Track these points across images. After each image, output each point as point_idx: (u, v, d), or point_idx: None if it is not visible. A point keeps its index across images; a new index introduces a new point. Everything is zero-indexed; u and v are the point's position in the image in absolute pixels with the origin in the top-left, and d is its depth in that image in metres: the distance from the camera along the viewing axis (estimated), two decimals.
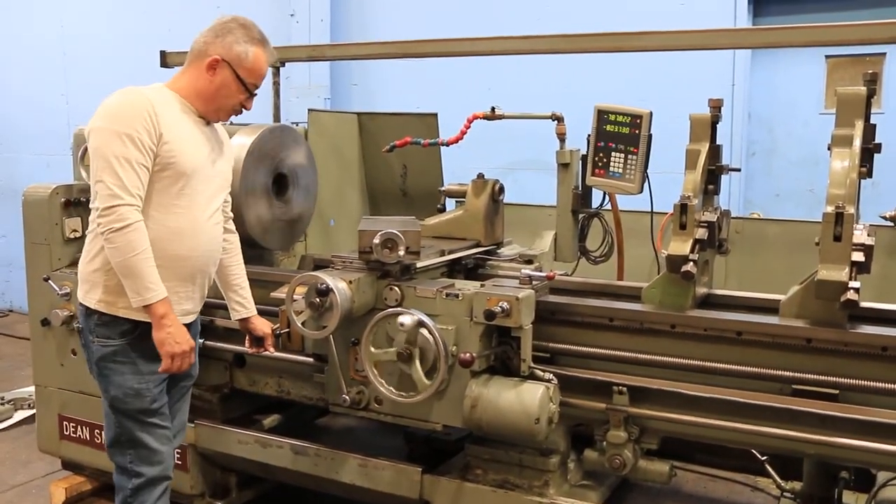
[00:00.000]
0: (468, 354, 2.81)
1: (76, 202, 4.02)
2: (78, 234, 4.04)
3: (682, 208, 2.88)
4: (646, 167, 3.14)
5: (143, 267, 2.67)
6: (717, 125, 3.12)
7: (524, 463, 3.09)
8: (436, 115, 4.38)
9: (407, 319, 2.82)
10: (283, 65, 4.43)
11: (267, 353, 3.26)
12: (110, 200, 2.65)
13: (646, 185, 3.18)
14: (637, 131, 3.12)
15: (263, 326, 3.22)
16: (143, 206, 2.74)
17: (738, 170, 3.62)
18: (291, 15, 6.71)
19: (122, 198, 2.65)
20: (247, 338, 3.26)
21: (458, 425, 2.98)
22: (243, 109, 2.99)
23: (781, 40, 3.47)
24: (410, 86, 6.22)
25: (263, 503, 3.98)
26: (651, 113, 3.11)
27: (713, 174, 3.12)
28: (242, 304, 3.20)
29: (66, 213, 4.00)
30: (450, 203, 3.91)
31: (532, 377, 2.90)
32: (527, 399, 2.82)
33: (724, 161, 3.20)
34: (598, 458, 3.03)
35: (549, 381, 2.89)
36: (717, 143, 3.14)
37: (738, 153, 5.42)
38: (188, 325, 2.99)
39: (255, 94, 3.00)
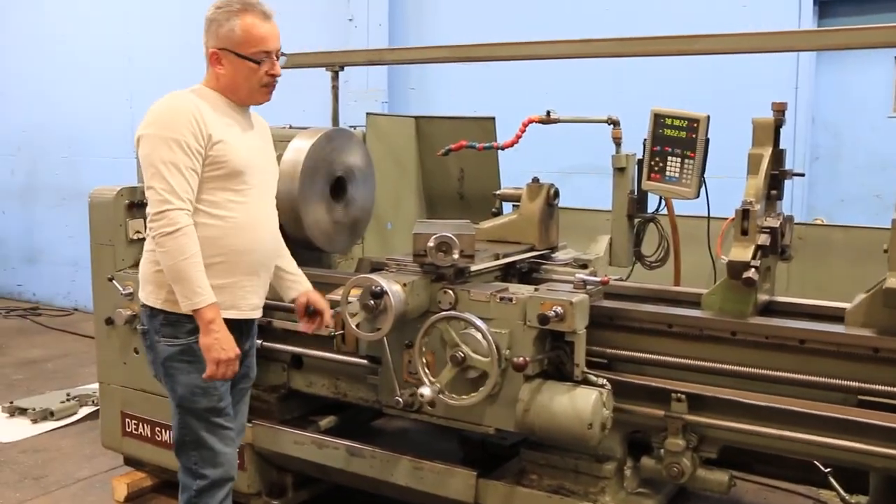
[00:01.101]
0: (522, 358, 2.79)
1: (139, 204, 4.08)
2: (141, 236, 4.10)
3: (745, 214, 2.83)
4: (703, 172, 3.09)
5: (193, 271, 2.69)
6: (781, 129, 3.06)
7: (580, 469, 3.06)
8: (493, 118, 4.37)
9: (426, 391, 2.86)
10: (342, 69, 4.45)
11: (323, 331, 3.18)
12: (160, 206, 2.69)
13: (703, 189, 3.13)
14: (694, 135, 3.08)
15: (320, 300, 3.15)
16: (204, 205, 2.77)
17: (802, 174, 3.54)
18: (350, 20, 6.76)
19: (172, 202, 2.68)
20: (303, 318, 3.16)
21: (510, 429, 2.96)
22: (274, 79, 2.90)
23: (848, 42, 3.38)
24: (468, 89, 6.22)
25: (319, 503, 4.01)
26: (708, 117, 3.06)
27: (776, 179, 3.07)
28: (295, 281, 3.16)
29: (129, 214, 4.06)
30: (506, 207, 3.90)
31: (585, 382, 2.87)
32: (580, 404, 2.79)
33: (788, 166, 3.14)
34: (656, 466, 2.99)
35: (602, 386, 2.86)
36: (781, 147, 3.08)
37: (801, 157, 5.32)
38: (250, 322, 3.02)
39: (275, 58, 2.88)
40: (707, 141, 3.07)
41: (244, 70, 2.84)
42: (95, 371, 4.31)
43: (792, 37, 3.80)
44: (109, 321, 4.04)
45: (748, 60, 4.66)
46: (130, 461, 4.33)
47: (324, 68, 4.37)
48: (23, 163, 9.14)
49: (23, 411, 5.42)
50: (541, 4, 6.12)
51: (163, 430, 3.99)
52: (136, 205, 4.07)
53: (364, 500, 3.80)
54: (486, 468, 3.26)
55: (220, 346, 2.74)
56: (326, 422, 3.81)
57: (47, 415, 5.36)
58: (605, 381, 2.88)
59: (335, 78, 4.44)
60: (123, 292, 3.95)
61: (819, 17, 5.40)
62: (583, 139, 4.87)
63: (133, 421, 4.14)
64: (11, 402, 5.52)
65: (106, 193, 4.08)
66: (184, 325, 2.82)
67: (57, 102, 8.71)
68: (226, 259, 2.82)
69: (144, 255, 2.93)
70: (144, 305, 2.92)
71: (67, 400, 5.54)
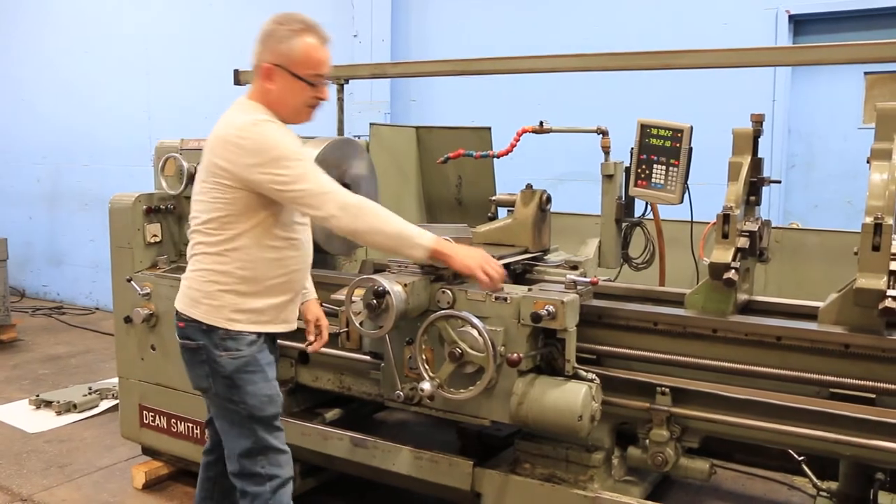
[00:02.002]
0: (516, 355, 2.78)
1: (156, 209, 4.10)
2: (157, 239, 4.12)
3: (725, 218, 2.83)
4: (686, 179, 3.09)
5: (395, 222, 2.65)
6: (759, 139, 3.06)
7: (570, 458, 3.06)
8: (489, 128, 4.37)
9: (426, 386, 2.86)
10: (347, 82, 4.46)
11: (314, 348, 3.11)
12: (328, 206, 2.57)
13: (686, 195, 3.13)
14: (678, 144, 3.07)
15: (324, 317, 3.12)
16: (272, 227, 2.68)
17: (779, 182, 3.54)
18: (355, 35, 6.76)
19: (329, 193, 2.58)
20: (311, 333, 3.11)
21: (505, 421, 2.95)
22: (320, 101, 2.77)
23: (821, 58, 3.39)
24: (465, 101, 6.22)
25: (325, 491, 4.01)
26: (691, 127, 3.07)
27: (755, 186, 3.07)
28: (308, 290, 3.10)
29: (147, 219, 4.07)
30: (500, 212, 3.89)
31: (576, 377, 2.87)
32: (570, 397, 2.79)
33: (765, 173, 3.14)
34: (641, 456, 2.99)
35: (591, 380, 2.86)
36: (759, 156, 3.08)
37: (778, 166, 5.32)
38: (279, 335, 2.92)
39: (326, 83, 2.76)
40: (690, 150, 3.07)
41: (295, 89, 2.69)
42: (115, 366, 4.32)
43: (769, 53, 3.81)
44: (128, 319, 4.05)
45: (728, 74, 4.66)
46: (148, 451, 4.33)
47: (330, 81, 4.37)
48: (48, 171, 9.15)
49: (48, 404, 5.44)
50: (533, 22, 6.12)
51: (178, 422, 4.00)
52: (153, 210, 4.08)
53: (367, 487, 3.80)
54: (482, 458, 3.26)
55: (469, 259, 2.71)
56: (331, 414, 3.81)
57: (71, 407, 5.37)
58: (594, 376, 2.88)
59: (340, 90, 4.45)
60: (141, 292, 3.95)
61: (794, 34, 5.40)
62: (572, 148, 4.88)
63: (150, 413, 4.14)
64: (37, 396, 5.54)
65: (125, 199, 4.08)
66: (245, 337, 2.72)
67: (79, 114, 8.73)
68: (286, 279, 2.75)
69: (196, 273, 2.75)
70: (193, 321, 2.73)
71: (89, 393, 5.55)
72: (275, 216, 2.69)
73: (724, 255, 2.82)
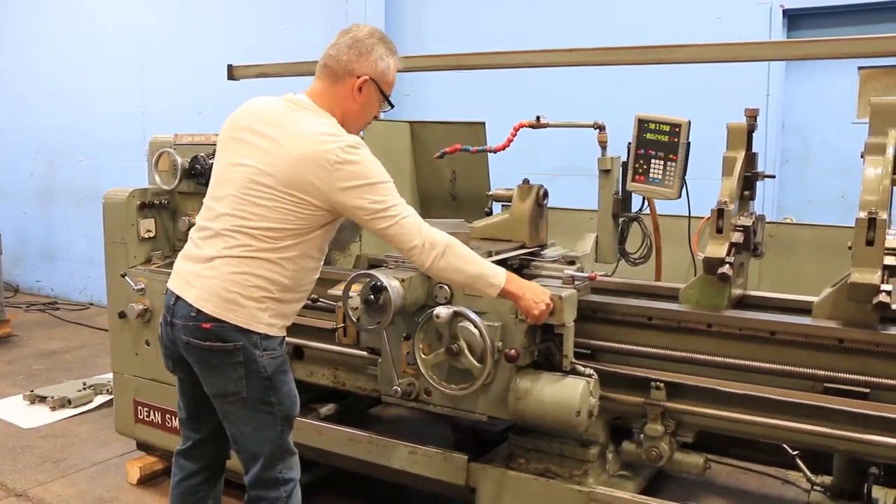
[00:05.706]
0: (514, 350, 2.78)
1: (150, 204, 4.09)
2: (151, 234, 4.10)
3: (720, 213, 2.83)
4: (684, 173, 3.07)
5: (474, 264, 2.64)
6: (753, 133, 3.05)
7: (565, 453, 3.06)
8: (483, 123, 4.36)
9: (443, 311, 2.80)
10: None
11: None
12: (413, 233, 2.56)
13: (683, 190, 3.12)
14: (676, 139, 3.05)
15: None
16: (322, 241, 2.67)
17: (773, 176, 3.53)
18: None
19: (418, 227, 2.57)
20: None
21: (503, 417, 2.95)
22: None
23: (815, 52, 3.37)
24: (459, 96, 6.21)
25: (320, 486, 4.00)
26: (689, 122, 3.05)
27: (749, 180, 3.06)
28: None
29: (141, 214, 4.06)
30: (495, 207, 3.87)
31: (574, 372, 2.86)
32: (569, 393, 2.78)
33: (759, 168, 3.13)
34: (636, 450, 2.99)
35: (589, 376, 2.85)
36: (753, 150, 3.07)
37: (772, 160, 5.32)
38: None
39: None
40: (688, 144, 3.03)
41: (374, 105, 2.77)
42: (110, 362, 4.30)
43: (763, 47, 3.81)
44: (122, 315, 4.04)
45: (722, 69, 4.67)
46: (143, 446, 4.33)
47: None
48: (41, 166, 9.12)
49: (42, 399, 5.43)
50: (527, 16, 6.11)
51: (172, 417, 3.98)
52: (146, 205, 4.07)
53: (362, 483, 3.79)
54: (477, 453, 3.26)
55: (533, 302, 2.69)
56: (326, 409, 3.80)
57: (65, 402, 5.36)
58: (591, 371, 2.87)
59: None
60: (135, 288, 3.94)
61: (788, 29, 5.40)
62: (564, 143, 4.86)
63: (145, 408, 4.13)
64: (32, 391, 5.53)
65: (119, 195, 4.06)
66: (277, 337, 2.67)
67: (73, 109, 8.69)
68: (303, 296, 2.73)
69: (238, 275, 2.57)
70: (223, 323, 2.57)
71: (84, 389, 5.54)
72: (328, 232, 2.69)
73: (718, 249, 2.81)
